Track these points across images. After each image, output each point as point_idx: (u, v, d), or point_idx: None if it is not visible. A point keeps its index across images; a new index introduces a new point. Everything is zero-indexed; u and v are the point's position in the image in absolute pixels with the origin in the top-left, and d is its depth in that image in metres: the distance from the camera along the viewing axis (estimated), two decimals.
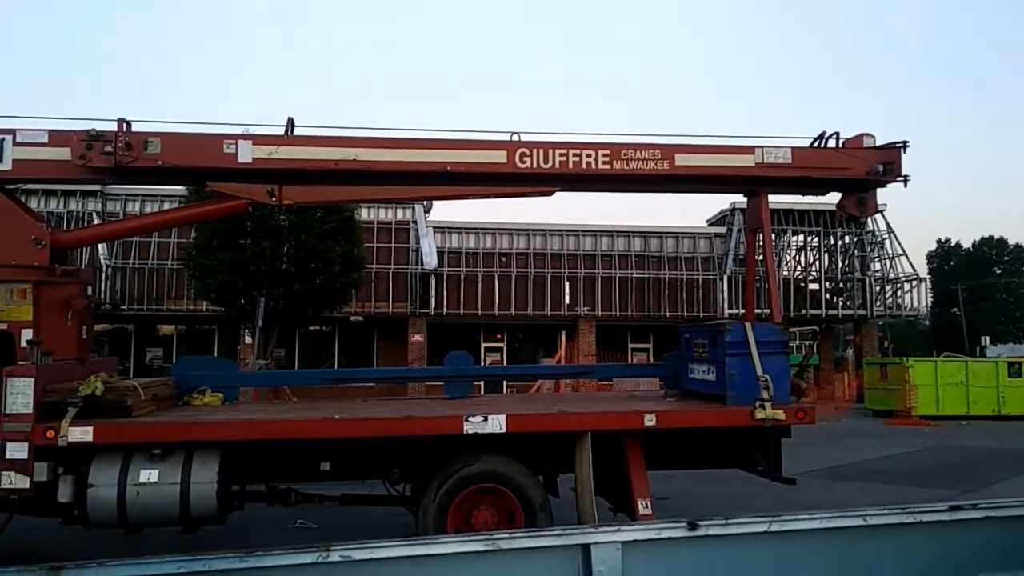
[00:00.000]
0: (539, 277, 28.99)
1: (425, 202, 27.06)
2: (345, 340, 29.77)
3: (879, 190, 8.03)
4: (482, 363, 27.62)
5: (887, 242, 30.94)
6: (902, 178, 7.68)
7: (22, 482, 5.91)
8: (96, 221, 24.99)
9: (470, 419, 6.49)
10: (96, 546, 6.84)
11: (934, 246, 64.87)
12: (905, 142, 7.64)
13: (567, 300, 29.17)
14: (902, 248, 30.98)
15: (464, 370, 8.58)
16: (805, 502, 8.66)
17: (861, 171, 7.64)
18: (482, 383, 15.87)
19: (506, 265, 29.04)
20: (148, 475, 6.14)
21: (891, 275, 30.79)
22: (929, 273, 53.81)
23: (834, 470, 13.51)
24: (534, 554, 3.27)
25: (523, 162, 7.37)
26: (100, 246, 24.98)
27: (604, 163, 7.45)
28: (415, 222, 28.28)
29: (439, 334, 28.52)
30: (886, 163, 7.60)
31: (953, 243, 64.29)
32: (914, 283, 31.05)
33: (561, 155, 7.41)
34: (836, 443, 16.97)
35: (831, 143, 7.81)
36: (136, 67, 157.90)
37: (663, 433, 6.89)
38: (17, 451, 5.92)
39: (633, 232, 30.43)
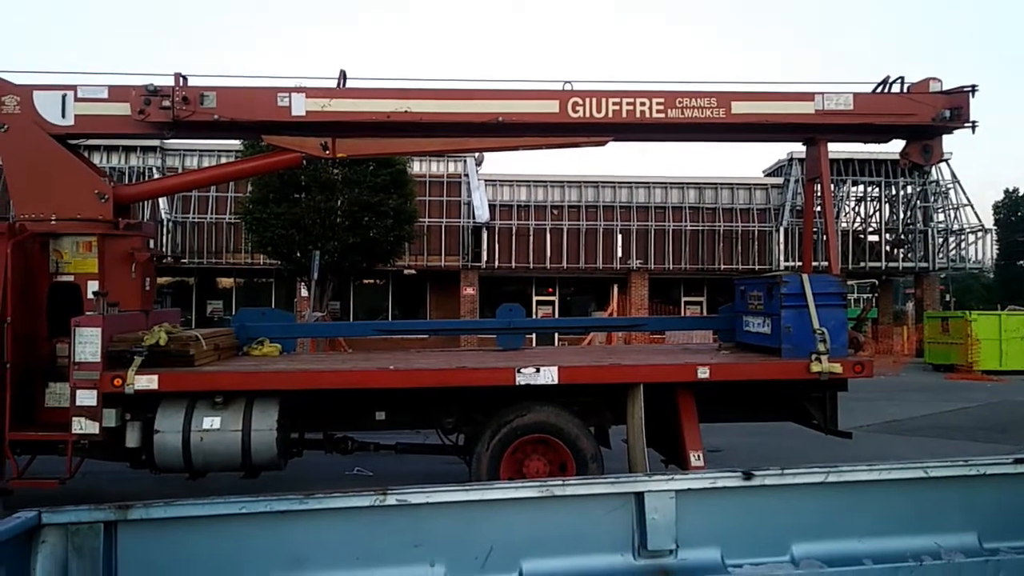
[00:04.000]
0: (591, 230, 28.79)
1: (477, 155, 26.96)
2: (398, 293, 30.07)
3: (945, 137, 7.75)
4: (534, 316, 27.67)
5: (951, 192, 29.88)
6: (970, 124, 7.39)
7: (92, 427, 6.14)
8: (156, 176, 25.50)
9: (522, 371, 6.52)
10: (162, 490, 7.11)
11: (1001, 196, 62.56)
12: (974, 86, 7.33)
13: (619, 253, 28.94)
14: (967, 198, 29.89)
15: (516, 322, 8.60)
16: (861, 456, 8.56)
17: (927, 117, 7.37)
18: (534, 336, 15.92)
19: (558, 218, 28.88)
20: (211, 422, 6.32)
21: (955, 226, 29.79)
22: (995, 224, 51.87)
23: (892, 424, 13.30)
24: (588, 501, 3.30)
25: (576, 111, 7.28)
26: (161, 200, 25.52)
27: (658, 111, 7.32)
28: (467, 175, 28.22)
29: (491, 287, 28.63)
30: (953, 108, 7.32)
31: (1021, 193, 61.89)
32: (979, 234, 30.02)
33: (614, 104, 7.30)
34: (894, 398, 16.68)
35: (895, 88, 7.54)
36: (189, 19, 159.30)
37: (716, 386, 6.83)
38: (87, 398, 6.14)
39: (687, 183, 29.90)
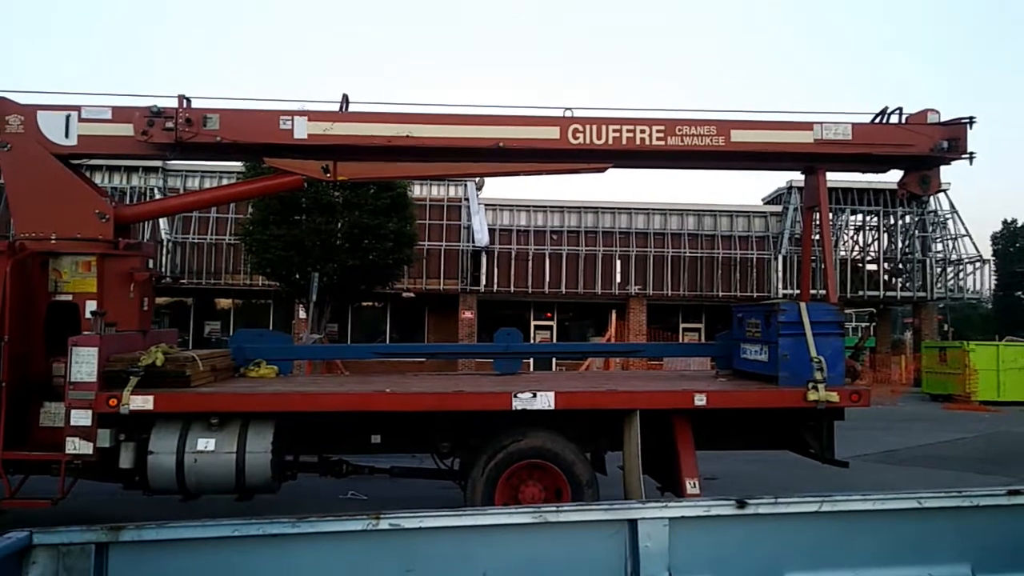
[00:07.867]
0: (590, 255, 28.84)
1: (477, 179, 27.09)
2: (397, 316, 30.05)
3: (943, 168, 7.81)
4: (532, 341, 27.63)
5: (950, 222, 30.01)
6: (967, 155, 7.45)
7: (86, 448, 6.12)
8: (157, 196, 25.57)
9: (519, 395, 6.52)
10: (154, 511, 7.06)
11: (999, 227, 62.77)
12: (971, 118, 7.40)
13: (618, 279, 28.98)
14: (965, 228, 30.02)
15: (514, 347, 8.60)
16: (858, 486, 8.52)
17: (925, 148, 7.43)
18: (531, 360, 15.90)
19: (557, 243, 28.95)
20: (205, 443, 6.30)
21: (953, 256, 29.88)
22: (993, 255, 52.08)
23: (889, 454, 13.25)
24: (581, 528, 3.29)
25: (576, 138, 7.33)
26: (161, 220, 25.57)
27: (658, 139, 7.37)
28: (467, 199, 28.33)
29: (489, 311, 28.62)
30: (951, 139, 7.37)
31: (1019, 224, 62.07)
32: (977, 264, 30.10)
33: (614, 131, 7.35)
34: (891, 427, 16.63)
35: (893, 119, 7.61)
36: (195, 42, 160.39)
37: (713, 413, 6.83)
38: (81, 418, 6.13)
39: (686, 210, 30.02)
